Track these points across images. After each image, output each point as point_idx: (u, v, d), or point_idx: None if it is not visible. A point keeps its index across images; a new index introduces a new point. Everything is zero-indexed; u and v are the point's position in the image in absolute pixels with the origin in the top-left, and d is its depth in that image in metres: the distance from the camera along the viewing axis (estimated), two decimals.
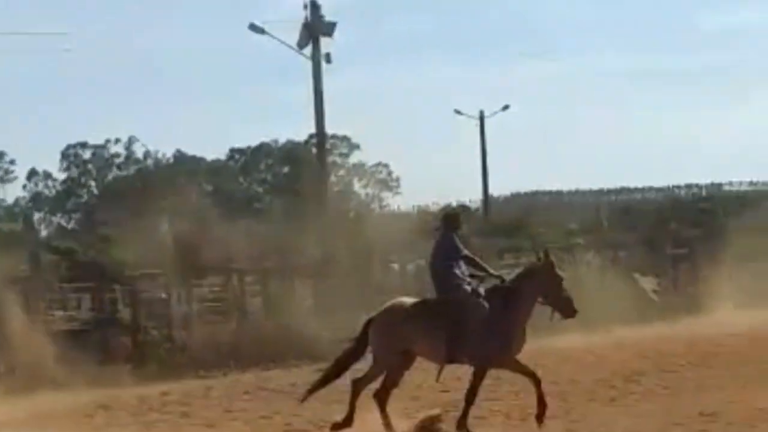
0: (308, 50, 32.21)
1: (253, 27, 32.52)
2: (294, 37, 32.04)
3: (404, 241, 27.14)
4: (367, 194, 65.65)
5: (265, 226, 33.58)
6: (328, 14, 32.22)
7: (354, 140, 61.74)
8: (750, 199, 46.43)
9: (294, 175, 59.26)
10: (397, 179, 66.86)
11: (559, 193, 65.91)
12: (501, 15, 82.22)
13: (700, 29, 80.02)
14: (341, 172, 62.91)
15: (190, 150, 64.82)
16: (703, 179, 66.15)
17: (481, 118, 53.25)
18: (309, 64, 31.94)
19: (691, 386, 15.70)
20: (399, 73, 78.39)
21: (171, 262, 24.30)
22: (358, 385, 12.94)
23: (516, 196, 65.58)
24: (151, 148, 65.01)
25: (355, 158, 64.20)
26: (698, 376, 16.66)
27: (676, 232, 29.79)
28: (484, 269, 13.01)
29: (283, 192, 60.58)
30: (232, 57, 79.57)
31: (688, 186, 66.77)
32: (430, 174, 64.98)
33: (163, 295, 24.62)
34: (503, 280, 12.92)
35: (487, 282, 12.97)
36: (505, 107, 52.76)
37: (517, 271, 13.36)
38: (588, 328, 23.29)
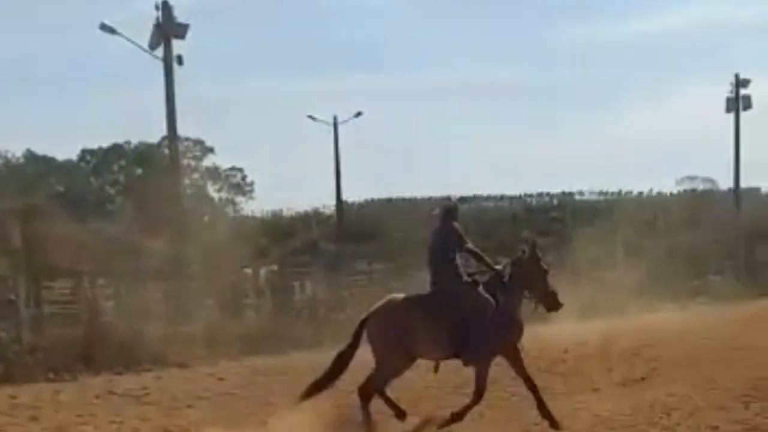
0: (160, 52, 31.86)
1: (104, 27, 32.04)
2: (146, 38, 31.69)
3: (258, 245, 27.15)
4: (221, 198, 65.26)
5: (117, 228, 33.17)
6: (180, 16, 31.93)
7: (208, 143, 61.36)
8: (599, 209, 47.48)
9: (147, 178, 58.58)
10: (251, 184, 66.65)
11: (413, 200, 66.39)
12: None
13: (554, 44, 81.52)
14: (195, 176, 62.41)
15: (40, 150, 63.64)
16: (555, 188, 67.36)
17: (335, 124, 53.46)
18: (161, 66, 31.62)
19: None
20: (253, 78, 78.21)
21: (20, 263, 23.87)
22: (364, 392, 12.67)
23: (370, 203, 65.91)
24: (0, 148, 63.63)
25: (209, 162, 63.78)
26: (547, 383, 16.98)
27: (528, 239, 30.28)
28: (486, 263, 13.02)
29: (136, 194, 59.85)
30: (85, 57, 78.46)
31: (540, 195, 67.92)
32: (284, 179, 64.98)
33: (12, 297, 24.16)
34: (500, 274, 12.94)
35: (483, 275, 13.00)
36: (358, 114, 53.01)
37: (504, 263, 13.25)
38: None
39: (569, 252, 30.18)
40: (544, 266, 13.21)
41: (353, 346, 12.84)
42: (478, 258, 13.04)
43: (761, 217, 44.12)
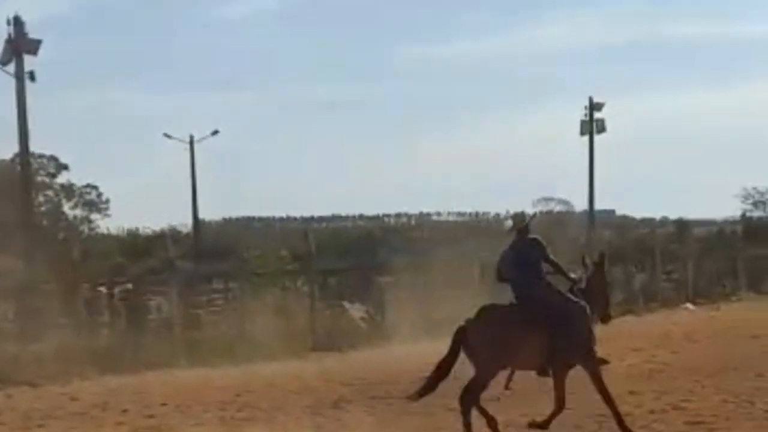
0: (12, 67, 31.22)
1: None
2: None
3: (114, 263, 26.79)
4: (75, 216, 64.15)
5: None
6: (32, 31, 31.34)
7: (62, 160, 60.28)
8: (457, 230, 47.96)
9: None
10: (107, 201, 65.66)
11: (270, 219, 66.24)
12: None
13: (405, 61, 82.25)
14: (49, 192, 61.26)
15: None
16: (413, 209, 67.91)
17: (191, 142, 53.07)
18: (13, 82, 30.99)
19: (396, 411, 16.05)
20: (108, 94, 77.18)
21: None
22: (465, 401, 12.78)
23: (227, 222, 65.55)
24: None
25: (63, 178, 62.68)
26: (403, 402, 17.04)
27: (385, 260, 30.44)
28: (564, 273, 13.20)
29: None
30: None
31: (398, 215, 68.41)
32: (140, 197, 64.21)
33: None
34: (576, 284, 13.21)
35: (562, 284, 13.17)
36: (215, 132, 52.76)
37: (579, 274, 13.57)
38: (297, 355, 23.62)
39: (427, 272, 30.38)
40: (608, 278, 13.84)
41: (453, 354, 12.93)
42: (558, 268, 13.20)
43: (614, 238, 45.10)
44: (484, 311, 12.98)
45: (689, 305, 35.37)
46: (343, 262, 30.06)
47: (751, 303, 35.72)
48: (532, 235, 13.27)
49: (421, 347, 24.37)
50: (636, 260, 36.62)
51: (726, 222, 57.91)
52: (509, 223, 14.12)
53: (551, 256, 13.16)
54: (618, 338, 26.07)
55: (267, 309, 26.62)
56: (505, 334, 12.66)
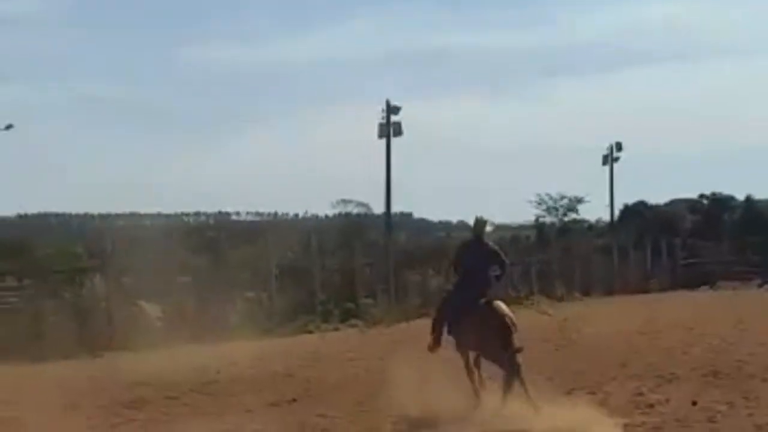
0: None
1: None
2: None
3: None
4: None
5: None
6: None
7: None
8: (254, 230, 47.90)
9: None
10: None
11: (66, 215, 64.92)
12: None
13: (198, 65, 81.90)
14: None
15: None
16: (211, 208, 67.49)
17: None
18: None
19: (186, 412, 16.03)
20: None
21: None
22: (468, 370, 15.10)
23: (23, 218, 63.96)
24: None
25: None
26: (197, 403, 17.04)
27: (183, 259, 30.24)
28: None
29: None
30: None
31: (197, 214, 67.90)
32: None
33: None
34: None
35: None
36: (9, 126, 51.44)
37: None
38: (90, 355, 23.28)
39: (224, 272, 30.33)
40: None
41: None
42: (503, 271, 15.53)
43: (411, 241, 45.76)
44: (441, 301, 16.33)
45: None
46: (141, 260, 29.68)
47: (542, 307, 36.78)
48: (490, 243, 15.47)
49: (221, 348, 24.47)
50: (433, 264, 37.23)
51: (521, 227, 59.42)
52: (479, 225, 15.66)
53: (504, 258, 15.56)
54: (415, 340, 26.57)
55: (62, 307, 26.19)
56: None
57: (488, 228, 15.46)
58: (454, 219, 68.60)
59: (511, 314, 14.82)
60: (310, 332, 29.48)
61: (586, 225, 65.70)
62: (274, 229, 42.83)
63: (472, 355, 15.17)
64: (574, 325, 29.09)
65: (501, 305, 14.90)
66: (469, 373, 15.14)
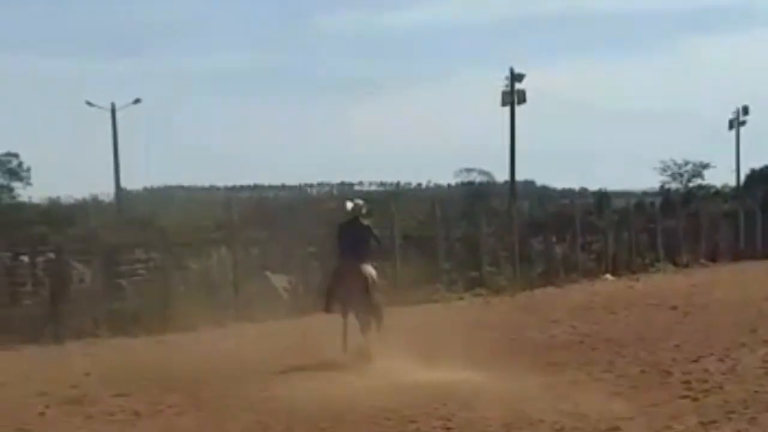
0: None
1: None
2: None
3: (36, 232, 26.51)
4: None
5: None
6: None
7: None
8: (378, 200, 47.97)
9: None
10: (28, 169, 64.92)
11: (192, 188, 65.81)
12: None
13: (330, 31, 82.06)
14: None
15: None
16: (334, 179, 67.87)
17: (113, 111, 52.56)
18: None
19: (327, 377, 16.12)
20: (28, 62, 75.94)
21: None
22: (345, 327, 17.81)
23: (149, 191, 65.04)
24: None
25: None
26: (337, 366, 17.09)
27: (307, 230, 30.38)
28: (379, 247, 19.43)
29: None
30: None
31: (321, 185, 68.33)
32: (62, 166, 63.51)
33: None
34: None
35: None
36: (137, 101, 52.26)
37: None
38: (218, 323, 23.58)
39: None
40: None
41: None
42: (377, 244, 19.09)
43: (535, 209, 45.46)
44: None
45: (609, 276, 35.82)
46: (267, 232, 29.91)
47: (669, 275, 36.32)
48: (365, 221, 18.53)
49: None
50: (556, 231, 36.94)
51: (645, 194, 58.67)
52: (349, 205, 18.87)
53: (375, 235, 18.75)
54: (540, 309, 26.48)
55: (189, 279, 26.56)
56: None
57: (364, 210, 18.72)
58: (576, 186, 67.96)
59: (373, 275, 18.02)
60: (435, 301, 29.48)
61: (711, 190, 64.73)
62: (397, 198, 42.90)
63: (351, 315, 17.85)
64: (701, 292, 28.66)
65: (367, 268, 18.01)
66: (345, 329, 17.78)
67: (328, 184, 68.20)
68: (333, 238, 19.56)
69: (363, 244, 18.33)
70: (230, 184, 65.92)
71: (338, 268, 18.46)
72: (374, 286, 18.05)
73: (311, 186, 68.05)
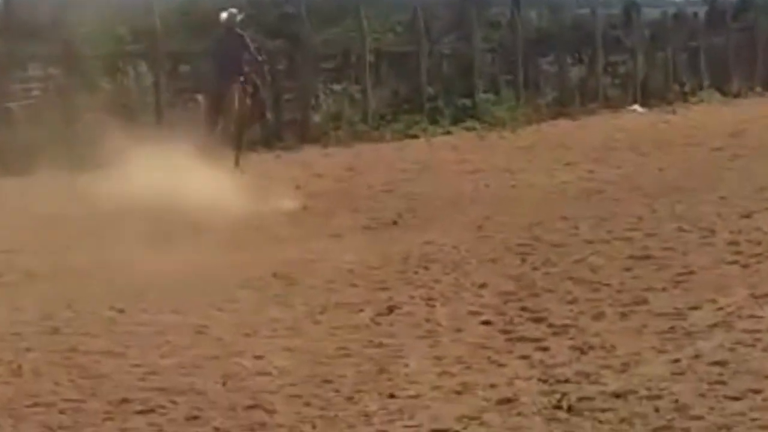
0: None
1: None
2: None
3: None
4: None
5: None
6: None
7: None
8: (343, 6, 47.45)
9: None
10: None
11: None
12: None
13: None
14: None
15: None
16: None
17: None
18: None
19: (262, 239, 16.11)
20: None
21: None
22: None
23: None
24: None
25: None
26: (272, 226, 17.09)
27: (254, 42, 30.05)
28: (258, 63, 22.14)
29: None
30: None
31: None
32: None
33: None
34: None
35: None
36: None
37: None
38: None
39: (305, 59, 30.14)
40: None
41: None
42: (253, 57, 21.76)
43: (545, 19, 44.95)
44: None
45: (638, 107, 35.79)
46: (200, 45, 29.57)
47: (714, 106, 36.32)
48: (244, 35, 21.83)
49: (298, 154, 24.55)
50: (572, 49, 36.77)
51: (686, 2, 58.17)
52: (223, 16, 21.80)
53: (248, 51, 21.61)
54: (548, 148, 26.45)
55: (100, 103, 26.28)
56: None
57: (238, 18, 21.72)
58: None
59: (242, 97, 21.21)
60: (415, 137, 29.42)
61: None
62: (368, 3, 42.36)
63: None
64: (755, 129, 28.63)
65: (236, 91, 21.10)
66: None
67: None
68: (208, 54, 23.19)
69: (238, 59, 21.32)
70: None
71: (213, 89, 22.15)
72: (242, 111, 21.38)
73: None
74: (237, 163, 21.65)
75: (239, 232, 16.57)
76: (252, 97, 21.77)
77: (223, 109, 21.58)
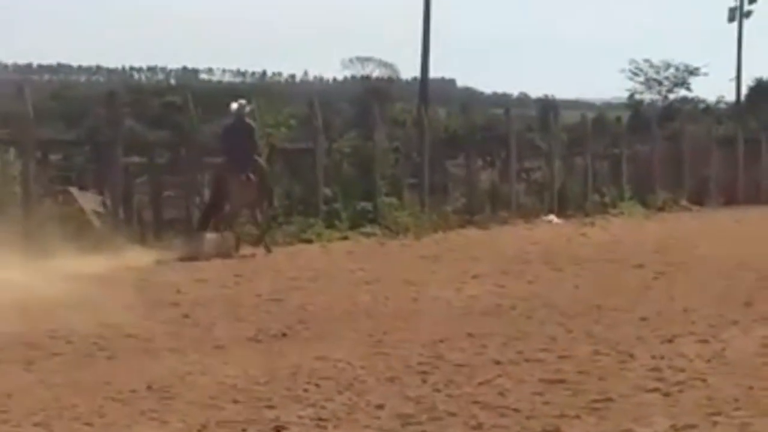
0: None
1: None
2: None
3: None
4: None
5: None
6: None
7: None
8: (232, 94, 47.62)
9: None
10: None
11: None
12: None
13: None
14: None
15: None
16: (172, 64, 67.38)
17: None
18: None
19: (139, 348, 16.07)
20: None
21: None
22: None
23: None
24: None
25: None
26: (149, 335, 17.05)
27: (133, 133, 30.15)
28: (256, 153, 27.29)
29: None
30: None
31: (151, 69, 67.78)
32: None
33: None
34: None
35: None
36: None
37: None
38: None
39: (192, 152, 30.19)
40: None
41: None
42: (254, 151, 26.84)
43: (454, 118, 45.27)
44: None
45: (553, 217, 36.16)
46: (73, 131, 29.62)
47: (636, 219, 36.78)
48: (248, 121, 26.65)
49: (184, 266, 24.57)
50: (484, 151, 37.11)
51: (608, 105, 59.06)
52: (233, 106, 26.79)
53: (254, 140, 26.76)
54: (454, 259, 26.60)
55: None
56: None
57: (248, 108, 26.65)
58: (513, 90, 68.24)
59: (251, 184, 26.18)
60: (309, 241, 29.53)
61: (700, 106, 65.40)
62: (261, 93, 42.58)
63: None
64: (680, 246, 29.01)
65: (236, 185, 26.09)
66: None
67: (162, 69, 67.60)
68: (219, 140, 27.57)
69: (245, 147, 26.23)
70: (24, 62, 65.14)
71: (218, 174, 26.78)
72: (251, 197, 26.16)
73: (138, 70, 67.46)
74: (266, 246, 27.28)
75: (111, 340, 16.49)
76: (260, 184, 26.89)
77: (231, 195, 26.54)
